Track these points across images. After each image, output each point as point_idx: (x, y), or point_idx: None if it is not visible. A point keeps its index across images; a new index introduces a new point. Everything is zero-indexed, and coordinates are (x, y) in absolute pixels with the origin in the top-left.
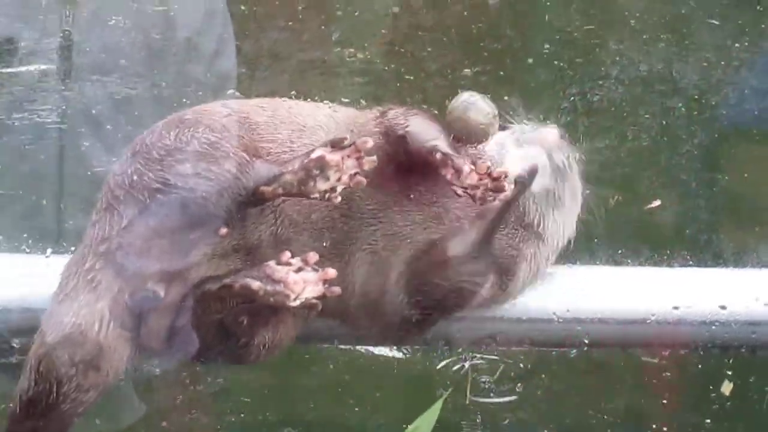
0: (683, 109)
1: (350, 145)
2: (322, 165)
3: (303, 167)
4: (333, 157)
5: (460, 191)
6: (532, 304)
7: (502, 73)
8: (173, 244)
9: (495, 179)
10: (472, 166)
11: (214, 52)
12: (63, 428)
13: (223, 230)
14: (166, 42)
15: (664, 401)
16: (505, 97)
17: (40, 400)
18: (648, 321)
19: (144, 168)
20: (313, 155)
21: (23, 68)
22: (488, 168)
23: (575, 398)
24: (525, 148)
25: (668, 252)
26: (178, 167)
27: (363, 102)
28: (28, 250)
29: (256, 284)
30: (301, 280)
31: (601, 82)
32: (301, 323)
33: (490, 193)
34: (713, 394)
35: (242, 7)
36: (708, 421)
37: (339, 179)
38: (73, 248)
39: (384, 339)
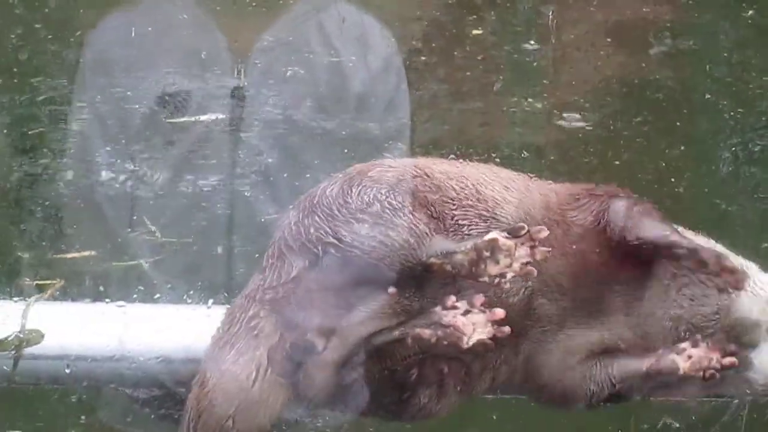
0: None
1: (525, 233)
2: (493, 248)
3: (475, 248)
4: (506, 242)
5: (704, 278)
6: None
7: (662, 122)
8: (339, 300)
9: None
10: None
11: (386, 106)
12: None
13: (392, 290)
14: (339, 95)
15: None
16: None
17: None
18: None
19: (322, 222)
20: (487, 237)
21: (195, 119)
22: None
23: None
24: None
25: None
26: (356, 226)
27: (525, 153)
28: (190, 301)
29: (427, 332)
30: (469, 323)
31: (762, 131)
32: (466, 393)
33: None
34: None
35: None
36: None
37: (510, 266)
38: (233, 299)
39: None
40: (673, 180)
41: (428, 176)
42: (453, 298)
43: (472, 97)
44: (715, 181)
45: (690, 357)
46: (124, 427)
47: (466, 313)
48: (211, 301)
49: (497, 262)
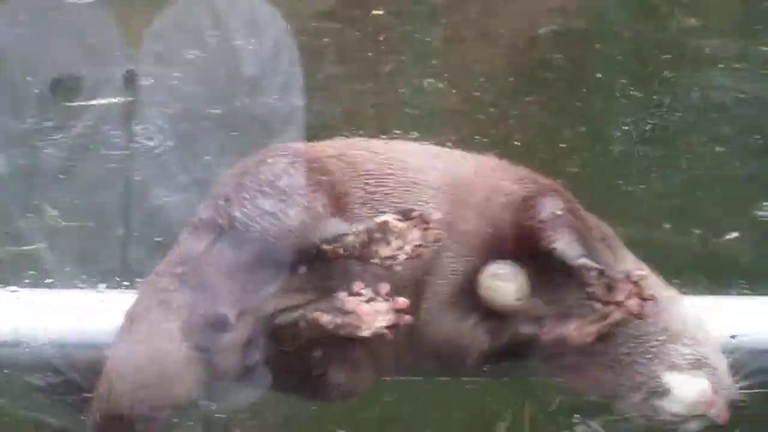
0: (739, 136)
1: (417, 216)
2: (385, 230)
3: (366, 230)
4: (397, 223)
5: (597, 305)
6: None
7: (555, 102)
8: (246, 276)
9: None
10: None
11: (280, 88)
12: None
13: (303, 268)
14: (231, 78)
15: None
16: (561, 130)
17: (113, 423)
18: None
19: (233, 193)
20: (378, 219)
21: (87, 103)
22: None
23: None
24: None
25: (726, 281)
26: (260, 201)
27: (416, 134)
28: (83, 285)
29: (325, 318)
30: (372, 311)
31: (654, 111)
32: (384, 367)
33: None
34: None
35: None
36: None
37: (401, 248)
38: (126, 284)
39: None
40: (568, 159)
41: (342, 155)
42: (360, 284)
43: (366, 79)
44: (609, 160)
45: (581, 326)
46: (22, 413)
47: (369, 300)
48: (104, 285)
49: (388, 244)
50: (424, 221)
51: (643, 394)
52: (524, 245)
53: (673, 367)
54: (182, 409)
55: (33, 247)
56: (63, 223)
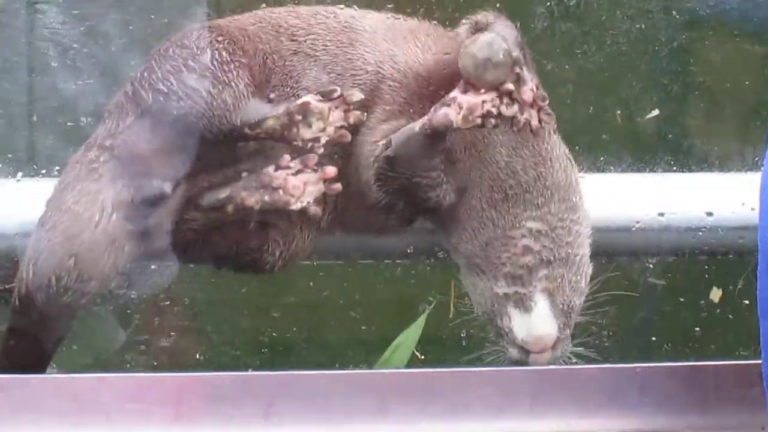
0: (662, 10)
1: (338, 97)
2: (305, 111)
3: (287, 112)
4: (318, 105)
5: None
6: None
7: None
8: (177, 148)
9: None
10: (535, 87)
11: None
12: (66, 321)
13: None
14: None
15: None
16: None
17: (39, 293)
18: (633, 228)
19: (156, 65)
20: (299, 101)
21: None
22: (543, 97)
23: None
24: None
25: (651, 158)
26: (185, 75)
27: None
28: None
29: (251, 200)
30: (300, 183)
31: None
32: (315, 235)
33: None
34: (702, 302)
35: None
36: (697, 329)
37: (323, 129)
38: (44, 171)
39: (368, 230)
40: None
41: (262, 20)
42: (287, 157)
43: None
44: (531, 37)
45: (461, 106)
46: None
47: (297, 172)
48: (20, 173)
49: (310, 126)
50: (345, 102)
51: (509, 290)
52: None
53: (551, 295)
54: (109, 283)
55: None
56: None
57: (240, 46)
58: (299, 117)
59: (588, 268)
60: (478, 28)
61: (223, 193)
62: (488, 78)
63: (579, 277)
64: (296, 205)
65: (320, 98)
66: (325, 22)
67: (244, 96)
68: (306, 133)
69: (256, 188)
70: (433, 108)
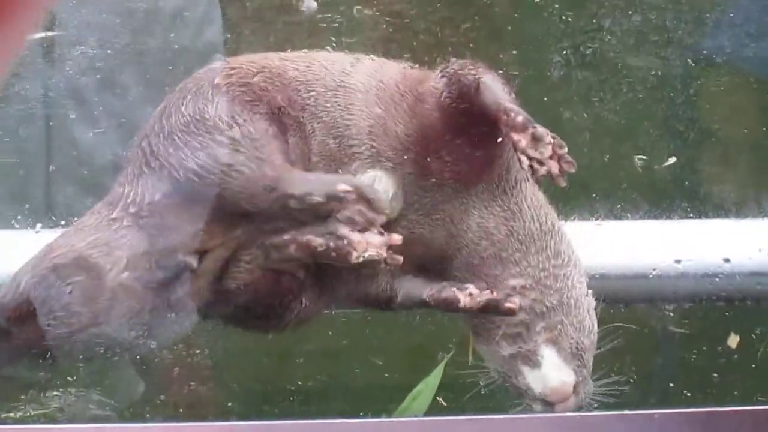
0: (678, 58)
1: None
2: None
3: (326, 196)
4: (355, 237)
5: (525, 161)
6: None
7: (490, 28)
8: (210, 222)
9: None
10: (552, 137)
11: (200, 20)
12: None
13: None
14: (151, 12)
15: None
16: (500, 55)
17: (22, 313)
18: (650, 276)
19: (181, 143)
20: (339, 187)
21: None
22: (561, 145)
23: None
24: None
25: (668, 205)
26: (218, 151)
27: None
28: (17, 226)
29: (319, 240)
30: (364, 240)
31: (593, 34)
32: (332, 298)
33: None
34: (719, 348)
35: None
36: (716, 375)
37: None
38: (63, 222)
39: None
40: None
41: (264, 68)
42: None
43: (296, 12)
44: (546, 86)
45: (471, 294)
46: None
47: (363, 230)
48: (39, 225)
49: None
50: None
51: (513, 350)
52: (452, 123)
53: (555, 343)
54: (103, 338)
55: None
56: None
57: (259, 102)
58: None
59: (588, 304)
60: (457, 81)
61: (286, 236)
62: None
63: (580, 316)
64: (356, 260)
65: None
66: (322, 79)
67: (282, 165)
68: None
69: (322, 233)
70: (444, 284)
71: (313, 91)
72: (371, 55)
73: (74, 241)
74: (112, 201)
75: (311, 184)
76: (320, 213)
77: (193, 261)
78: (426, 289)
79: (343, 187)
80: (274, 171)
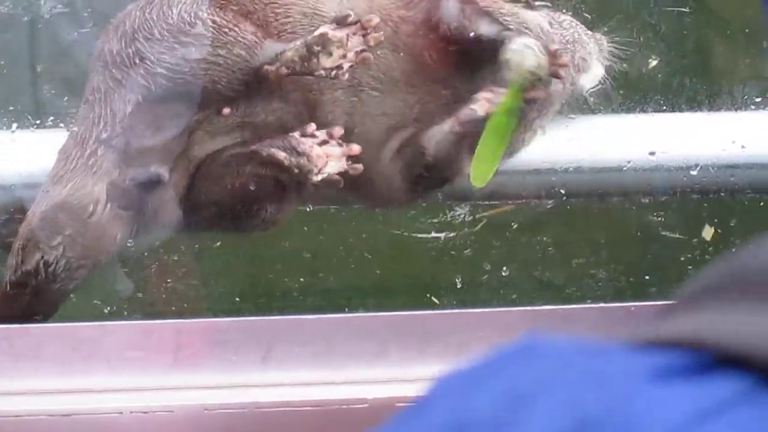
0: None
1: (356, 23)
2: (324, 41)
3: (305, 44)
4: (336, 33)
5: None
6: None
7: None
8: (177, 128)
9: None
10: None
11: None
12: (53, 306)
13: (226, 110)
14: None
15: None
16: None
17: (29, 279)
18: (624, 168)
19: (146, 49)
20: (315, 33)
21: None
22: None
23: (557, 251)
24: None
25: (641, 98)
26: (183, 51)
27: None
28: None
29: (282, 154)
30: (324, 154)
31: None
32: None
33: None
34: (694, 240)
35: None
36: (690, 267)
37: (344, 56)
38: (38, 122)
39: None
40: None
41: None
42: (313, 125)
43: None
44: None
45: (484, 98)
46: None
47: (323, 143)
48: (15, 125)
49: (330, 54)
50: (362, 28)
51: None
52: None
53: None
54: (100, 268)
55: None
56: None
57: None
58: (318, 48)
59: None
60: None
61: (253, 146)
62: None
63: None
64: (316, 178)
65: (335, 26)
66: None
67: (256, 43)
68: (327, 62)
69: (284, 148)
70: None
71: (289, 17)
72: None
73: (53, 196)
74: (83, 136)
75: (282, 45)
76: (297, 71)
77: (165, 173)
78: (446, 125)
79: (319, 31)
80: (247, 47)
